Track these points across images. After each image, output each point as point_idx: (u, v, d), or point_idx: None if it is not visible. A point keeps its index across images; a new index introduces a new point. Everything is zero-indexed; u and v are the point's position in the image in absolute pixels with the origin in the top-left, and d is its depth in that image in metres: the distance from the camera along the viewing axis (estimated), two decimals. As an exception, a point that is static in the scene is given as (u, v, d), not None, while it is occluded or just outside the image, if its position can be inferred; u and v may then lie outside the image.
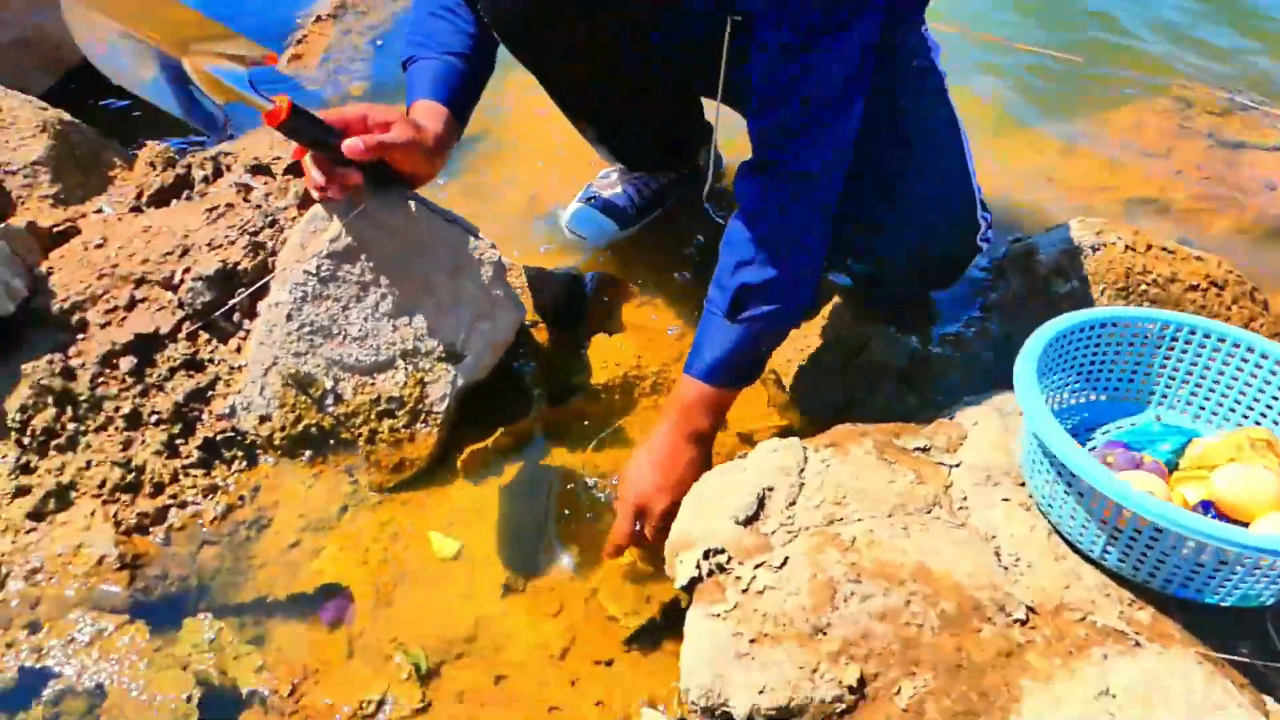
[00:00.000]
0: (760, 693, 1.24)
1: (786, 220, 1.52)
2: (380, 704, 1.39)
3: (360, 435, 1.71)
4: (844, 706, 1.22)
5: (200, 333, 1.69)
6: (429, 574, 1.59)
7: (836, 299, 1.94)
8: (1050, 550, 1.36)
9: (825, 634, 1.27)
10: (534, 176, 2.39)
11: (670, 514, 1.52)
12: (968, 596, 1.28)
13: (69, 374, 1.60)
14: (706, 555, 1.40)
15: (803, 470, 1.49)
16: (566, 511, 1.69)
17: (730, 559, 1.39)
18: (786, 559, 1.37)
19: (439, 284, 1.70)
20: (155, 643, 1.45)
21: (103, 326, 1.65)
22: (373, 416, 1.71)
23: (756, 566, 1.37)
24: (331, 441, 1.71)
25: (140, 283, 1.69)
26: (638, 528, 1.56)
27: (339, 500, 1.67)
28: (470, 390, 1.76)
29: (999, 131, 2.71)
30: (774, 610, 1.30)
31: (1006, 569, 1.33)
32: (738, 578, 1.37)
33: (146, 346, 1.66)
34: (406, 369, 1.70)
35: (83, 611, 1.46)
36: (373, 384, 1.71)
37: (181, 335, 1.68)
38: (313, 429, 1.70)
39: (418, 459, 1.72)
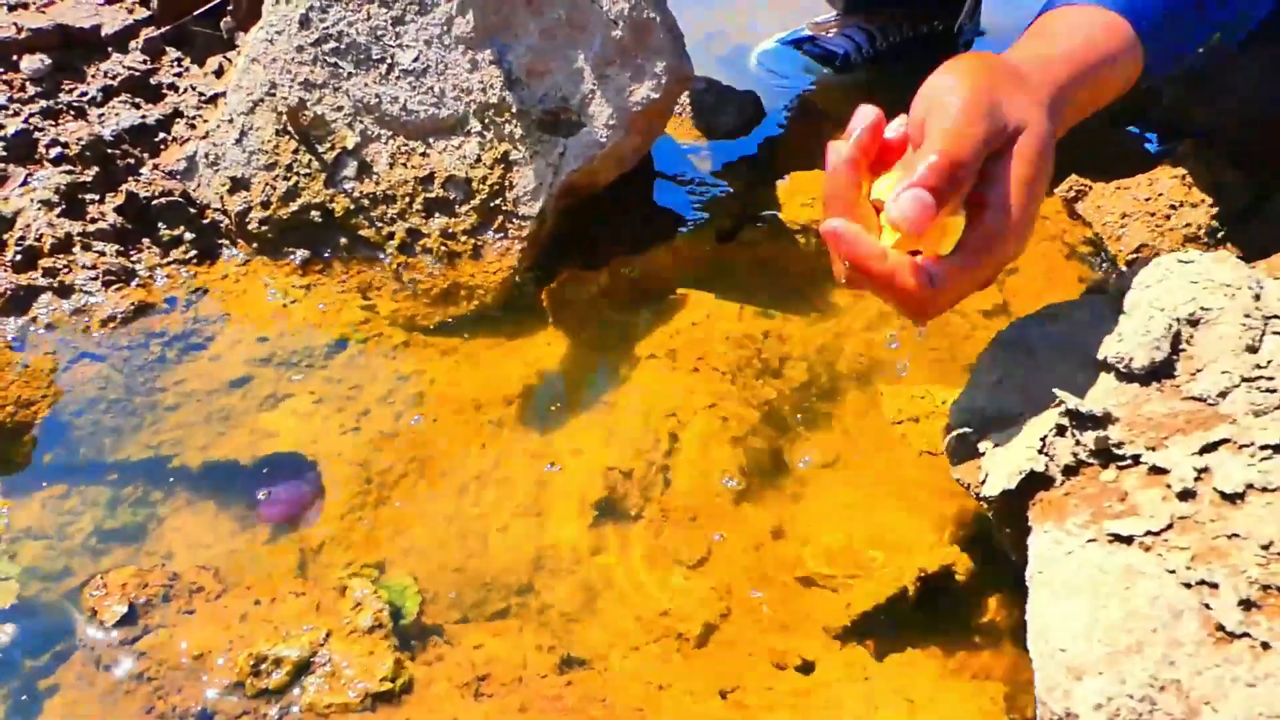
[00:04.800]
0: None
1: None
2: (303, 668, 0.63)
3: (392, 236, 1.00)
4: None
5: (165, 43, 1.04)
6: (465, 469, 0.85)
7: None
8: None
9: None
10: (716, 10, 1.72)
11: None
12: None
13: (-70, 57, 0.96)
14: (1070, 429, 0.61)
15: (1259, 295, 0.69)
16: (714, 406, 0.92)
17: (1126, 437, 0.60)
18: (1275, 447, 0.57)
19: (554, -2, 1.00)
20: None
21: (11, 8, 1.02)
22: (417, 207, 1.00)
23: (1202, 451, 0.57)
24: (343, 240, 1.01)
25: (89, -38, 1.06)
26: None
27: (336, 329, 0.95)
28: (584, 188, 1.04)
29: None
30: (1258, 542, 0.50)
31: None
32: (1155, 471, 0.57)
33: (73, 49, 1.01)
34: (484, 134, 1.00)
35: None
36: (425, 153, 1.01)
37: (136, 41, 1.03)
38: (314, 213, 1.00)
39: (481, 288, 0.99)
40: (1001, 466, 0.61)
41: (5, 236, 0.91)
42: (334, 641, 0.63)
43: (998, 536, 0.65)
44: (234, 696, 0.61)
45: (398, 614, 0.66)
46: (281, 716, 0.60)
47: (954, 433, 0.69)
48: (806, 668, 0.69)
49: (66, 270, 0.91)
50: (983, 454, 0.64)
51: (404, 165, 1.01)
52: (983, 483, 0.63)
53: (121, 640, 0.65)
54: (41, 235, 0.91)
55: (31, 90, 0.98)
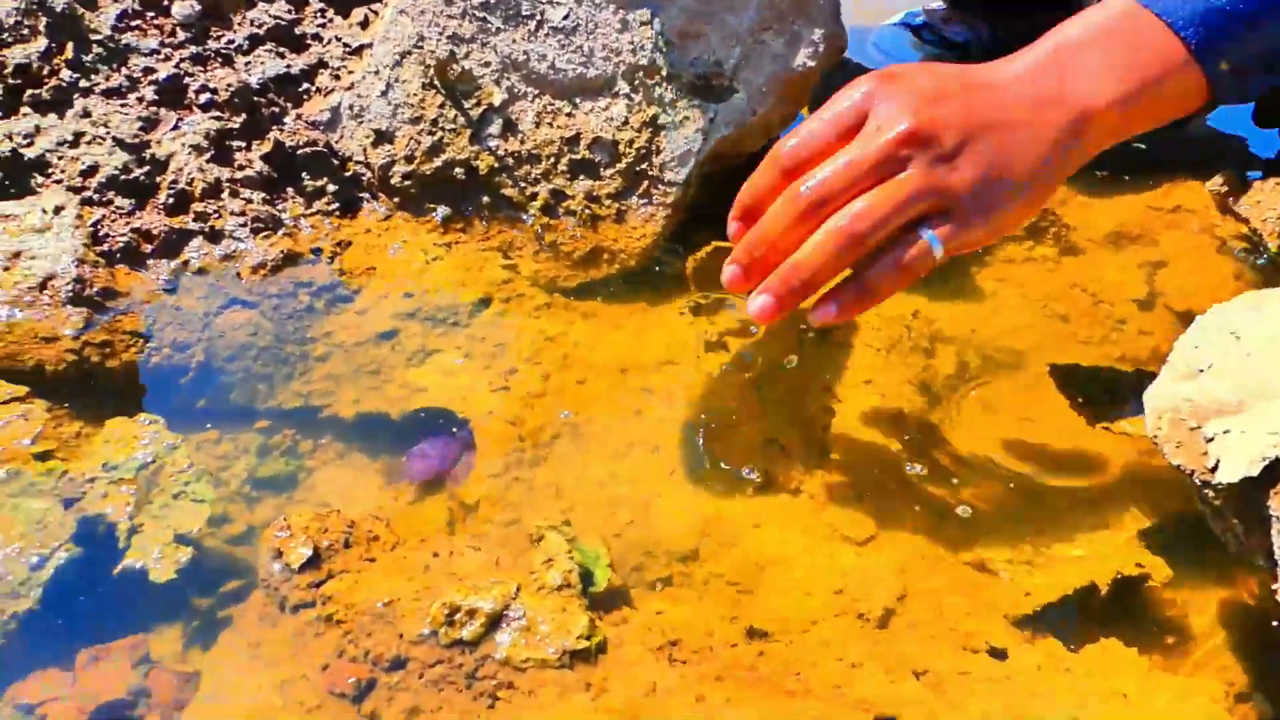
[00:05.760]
0: None
1: None
2: (495, 620, 0.61)
3: (535, 196, 0.99)
4: None
5: (311, -7, 1.03)
6: (618, 435, 0.83)
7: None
8: None
9: None
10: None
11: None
12: None
13: (86, -3, 0.95)
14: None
15: None
16: (868, 382, 0.89)
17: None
18: None
19: (711, -41, 0.97)
20: (70, 443, 0.74)
21: (161, -47, 1.01)
22: (562, 168, 0.99)
23: None
24: (485, 198, 0.99)
25: (237, -91, 1.05)
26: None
27: (478, 289, 0.94)
28: (730, 157, 1.01)
29: None
30: None
31: None
32: None
33: (222, -5, 1.01)
34: (632, 97, 0.98)
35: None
36: (571, 113, 0.98)
37: (281, -9, 1.02)
38: (457, 170, 0.99)
39: (624, 252, 0.97)
40: (1239, 454, 0.58)
41: (158, 180, 0.90)
42: (524, 596, 0.61)
43: (1217, 525, 0.62)
44: (428, 645, 0.60)
45: (587, 579, 0.64)
46: (478, 668, 0.58)
47: (1164, 418, 0.66)
48: (998, 654, 0.66)
49: (216, 215, 0.90)
50: (1210, 440, 0.61)
51: (550, 125, 0.99)
52: (1212, 470, 0.60)
53: (308, 583, 0.63)
54: (192, 180, 0.90)
55: (181, 35, 0.97)
